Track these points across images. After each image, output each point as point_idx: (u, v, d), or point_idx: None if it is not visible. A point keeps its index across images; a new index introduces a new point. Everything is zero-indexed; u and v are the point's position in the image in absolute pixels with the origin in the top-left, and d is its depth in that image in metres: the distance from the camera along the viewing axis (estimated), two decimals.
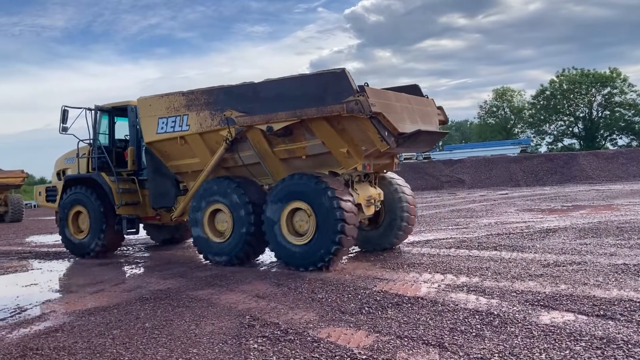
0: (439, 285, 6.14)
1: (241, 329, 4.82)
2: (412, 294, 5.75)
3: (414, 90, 9.19)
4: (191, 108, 8.82)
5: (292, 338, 4.44)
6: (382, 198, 9.00)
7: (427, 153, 54.44)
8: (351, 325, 4.75)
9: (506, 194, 23.33)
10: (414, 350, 4.01)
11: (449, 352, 3.93)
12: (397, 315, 4.99)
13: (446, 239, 9.92)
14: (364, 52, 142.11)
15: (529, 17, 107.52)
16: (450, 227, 11.74)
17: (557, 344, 3.99)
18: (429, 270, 7.05)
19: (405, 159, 48.55)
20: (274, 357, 4.01)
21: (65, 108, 10.11)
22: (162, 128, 9.16)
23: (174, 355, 4.19)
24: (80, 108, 10.39)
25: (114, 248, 10.68)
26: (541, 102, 66.40)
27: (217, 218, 8.65)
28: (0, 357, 4.42)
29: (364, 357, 3.91)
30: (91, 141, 10.52)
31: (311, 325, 4.79)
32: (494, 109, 74.43)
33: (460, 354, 3.89)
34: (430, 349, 4.02)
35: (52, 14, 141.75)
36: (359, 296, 5.78)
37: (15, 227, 20.58)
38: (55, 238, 14.62)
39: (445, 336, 4.30)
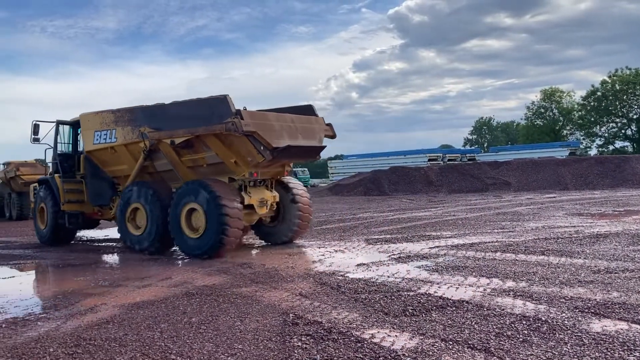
0: (484, 289, 6.04)
1: (285, 326, 4.87)
2: (456, 298, 5.68)
3: (307, 110, 10.93)
4: (118, 123, 10.85)
5: (336, 337, 4.46)
6: (277, 200, 10.77)
7: (471, 154, 53.65)
8: (395, 326, 4.73)
9: (554, 197, 22.69)
10: (459, 354, 3.96)
11: (495, 357, 3.87)
12: (441, 318, 4.94)
13: (492, 242, 9.74)
14: (407, 52, 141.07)
15: (578, 16, 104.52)
16: (496, 231, 11.52)
17: (609, 354, 3.87)
18: (474, 273, 6.95)
19: (449, 160, 47.98)
20: (318, 356, 4.04)
21: (36, 122, 12.07)
22: (97, 140, 11.28)
23: (219, 350, 4.28)
24: (51, 122, 12.56)
25: (63, 240, 12.84)
26: (592, 103, 64.32)
27: (137, 215, 10.55)
28: (56, 345, 4.60)
29: (408, 359, 3.89)
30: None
31: (354, 325, 4.80)
32: (542, 110, 72.53)
33: (507, 359, 3.82)
34: (476, 354, 3.96)
35: (104, 16, 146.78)
36: (402, 298, 5.75)
37: None
38: (105, 233, 15.13)
39: (491, 341, 4.23)
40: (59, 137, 12.72)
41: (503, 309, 5.15)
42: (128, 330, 5.00)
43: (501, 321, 4.76)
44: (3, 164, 26.96)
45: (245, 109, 9.16)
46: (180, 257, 9.75)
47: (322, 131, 10.79)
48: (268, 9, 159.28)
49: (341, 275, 7.22)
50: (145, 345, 4.51)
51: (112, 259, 10.04)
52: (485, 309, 5.18)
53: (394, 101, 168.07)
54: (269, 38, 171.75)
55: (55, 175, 12.48)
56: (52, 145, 12.71)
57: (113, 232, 15.46)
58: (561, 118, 71.14)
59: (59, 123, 12.57)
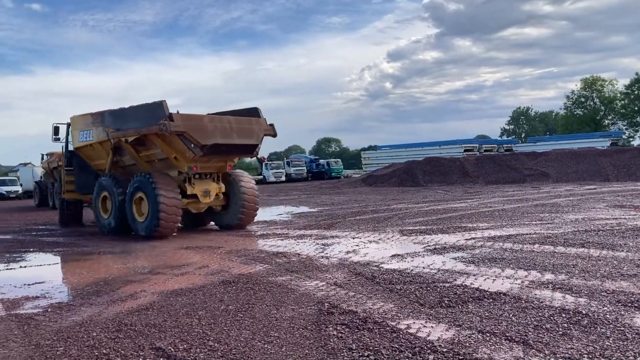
0: (522, 282, 5.94)
1: (320, 315, 4.90)
2: (493, 290, 5.60)
3: (253, 112, 12.78)
4: (94, 124, 13.00)
5: (371, 327, 4.47)
6: (222, 190, 12.64)
7: (508, 145, 52.63)
8: (431, 317, 4.70)
9: (594, 188, 22.07)
10: (496, 346, 3.92)
11: (533, 350, 3.81)
12: (478, 309, 4.89)
13: (529, 234, 9.56)
14: (442, 41, 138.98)
15: (621, 2, 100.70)
16: (534, 222, 11.29)
17: None
18: (511, 265, 6.84)
19: (485, 150, 47.19)
20: (354, 345, 4.05)
21: (56, 125, 14.94)
22: (81, 138, 13.56)
23: (256, 338, 4.34)
24: (66, 124, 14.82)
25: (69, 223, 15.58)
26: (635, 92, 62.09)
27: (106, 202, 12.83)
28: (99, 330, 4.75)
29: (444, 350, 3.87)
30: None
31: (390, 315, 4.80)
32: (582, 100, 70.54)
33: (546, 352, 3.76)
34: (514, 346, 3.91)
35: (142, 9, 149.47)
36: (438, 289, 5.71)
37: None
38: None
39: (530, 333, 4.17)
40: (69, 136, 14.86)
41: (542, 302, 5.06)
42: (167, 316, 5.12)
43: (540, 314, 4.68)
44: (46, 155, 27.84)
45: (178, 112, 11.15)
46: (217, 247, 9.90)
47: (261, 131, 12.47)
48: (302, 0, 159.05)
49: (376, 265, 7.22)
50: (183, 331, 4.61)
51: (150, 247, 10.26)
52: (523, 301, 5.10)
53: (429, 91, 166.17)
54: (303, 29, 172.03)
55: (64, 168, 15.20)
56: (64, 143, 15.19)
57: None
58: (602, 107, 69.06)
59: (68, 124, 14.68)
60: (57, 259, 9.53)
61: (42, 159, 28.51)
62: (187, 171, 11.89)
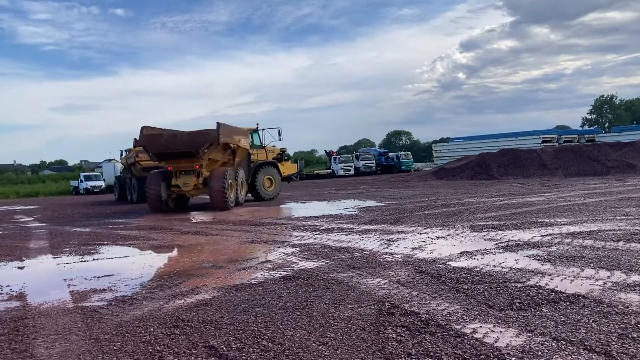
0: (604, 283, 5.41)
1: (380, 316, 4.66)
2: (571, 291, 5.13)
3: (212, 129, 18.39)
4: None
5: (434, 330, 4.18)
6: (200, 182, 18.83)
7: (590, 135, 49.74)
8: (500, 321, 4.34)
9: None
10: (573, 356, 3.52)
11: None
12: (553, 314, 4.47)
13: (613, 230, 8.82)
14: (518, 29, 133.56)
15: None
16: (618, 218, 10.43)
17: None
18: (592, 265, 6.28)
19: (565, 141, 44.82)
20: (413, 350, 3.79)
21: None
22: None
23: (311, 338, 4.16)
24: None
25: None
26: None
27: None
28: (157, 325, 4.75)
29: (513, 358, 3.53)
30: None
31: (454, 318, 4.47)
32: None
33: None
34: (594, 357, 3.50)
35: (217, 10, 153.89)
36: (509, 290, 5.30)
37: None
38: (213, 216, 15.76)
39: (613, 343, 3.73)
40: None
41: (627, 307, 4.55)
42: (225, 312, 5.06)
43: (625, 320, 4.20)
44: (125, 151, 29.17)
45: (146, 128, 18.20)
46: (282, 241, 9.85)
47: (209, 140, 18.18)
48: None
49: (442, 263, 6.86)
50: (239, 329, 4.51)
51: (217, 241, 10.38)
52: (605, 306, 4.61)
53: (504, 81, 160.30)
54: (373, 22, 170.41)
55: None
56: None
57: (221, 215, 16.11)
58: None
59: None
60: (128, 252, 9.82)
61: (122, 155, 29.91)
62: (166, 169, 18.96)
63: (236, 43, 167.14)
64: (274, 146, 24.55)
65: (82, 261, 8.85)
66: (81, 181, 48.97)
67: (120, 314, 5.26)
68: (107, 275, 7.33)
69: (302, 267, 7.07)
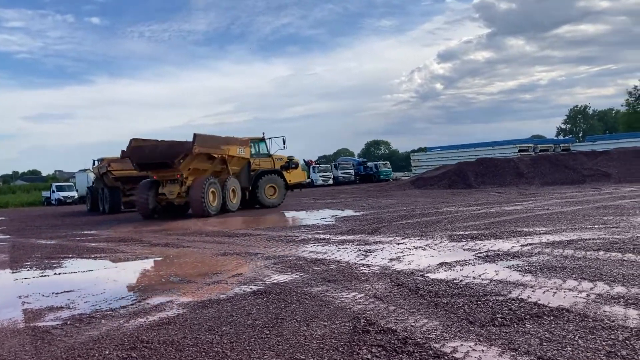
0: (587, 295, 5.19)
1: (354, 334, 4.35)
2: (554, 304, 4.89)
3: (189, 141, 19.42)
4: None
5: (411, 350, 3.88)
6: (184, 190, 19.69)
7: (566, 144, 50.39)
8: (481, 338, 4.07)
9: None
10: None
11: None
12: (537, 329, 4.21)
13: (593, 239, 8.67)
14: (494, 41, 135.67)
15: None
16: (597, 226, 10.32)
17: None
18: (574, 275, 6.07)
19: (541, 150, 45.26)
20: None
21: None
22: None
23: None
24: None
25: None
26: None
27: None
28: (113, 347, 4.37)
29: None
30: None
31: (433, 335, 4.19)
32: None
33: None
34: None
35: (195, 19, 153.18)
36: (491, 304, 5.04)
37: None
38: (185, 227, 15.30)
39: None
40: None
41: (613, 321, 4.32)
42: (188, 332, 4.70)
43: (612, 336, 3.96)
44: (98, 160, 28.46)
45: (135, 140, 19.53)
46: (255, 253, 9.48)
47: (183, 151, 19.24)
48: (350, 4, 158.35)
49: (421, 275, 6.59)
50: (201, 350, 4.16)
51: (187, 254, 9.97)
52: (590, 320, 4.38)
53: (481, 91, 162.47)
54: (352, 32, 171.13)
55: None
56: None
57: (196, 225, 15.65)
58: None
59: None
60: (93, 265, 9.34)
61: (94, 164, 29.18)
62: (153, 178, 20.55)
63: (214, 52, 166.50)
64: (282, 155, 24.54)
65: (42, 276, 8.37)
66: (53, 191, 47.73)
67: (75, 334, 4.85)
68: (67, 292, 6.89)
69: (275, 281, 6.73)
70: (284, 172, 23.80)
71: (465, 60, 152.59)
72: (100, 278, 7.94)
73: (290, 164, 24.46)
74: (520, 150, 44.22)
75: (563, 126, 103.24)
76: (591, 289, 5.45)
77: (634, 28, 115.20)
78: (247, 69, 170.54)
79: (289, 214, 19.30)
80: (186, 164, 19.49)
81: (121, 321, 5.22)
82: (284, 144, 23.55)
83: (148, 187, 20.24)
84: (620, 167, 28.64)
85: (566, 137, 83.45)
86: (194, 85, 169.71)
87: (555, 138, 78.90)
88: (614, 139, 49.11)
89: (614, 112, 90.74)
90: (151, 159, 19.32)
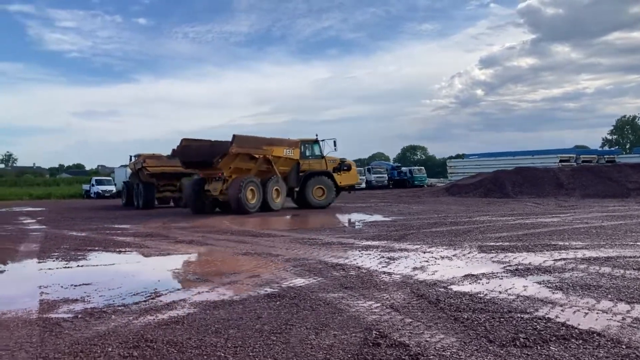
0: (623, 318, 4.80)
1: (364, 346, 4.11)
2: (584, 327, 4.53)
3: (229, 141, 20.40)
4: None
5: None
6: (225, 188, 20.41)
7: (611, 156, 48.65)
8: (499, 359, 3.78)
9: None
10: None
11: None
12: (562, 353, 3.89)
13: (634, 257, 8.16)
14: (539, 47, 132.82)
15: None
16: (639, 243, 9.75)
17: None
18: (609, 296, 5.66)
19: (583, 161, 43.80)
20: None
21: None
22: None
23: None
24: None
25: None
26: None
27: None
28: (117, 344, 4.26)
29: None
30: None
31: (448, 353, 3.91)
32: None
33: None
34: None
35: (238, 21, 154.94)
36: (514, 321, 4.72)
37: (187, 211, 22.28)
38: (213, 225, 15.30)
39: None
40: None
41: None
42: (194, 333, 4.55)
43: None
44: (135, 156, 28.92)
45: (185, 140, 21.15)
46: (277, 255, 9.32)
47: (222, 151, 20.12)
48: (391, 7, 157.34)
49: (443, 287, 6.29)
50: (203, 354, 4.00)
51: (209, 251, 9.90)
52: (623, 346, 4.02)
53: (523, 98, 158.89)
54: (392, 36, 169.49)
55: None
56: None
57: (218, 223, 15.65)
58: None
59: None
60: (116, 259, 9.37)
61: (130, 160, 29.66)
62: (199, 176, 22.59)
63: (255, 54, 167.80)
64: (335, 157, 24.64)
65: (65, 267, 8.42)
66: (92, 185, 48.92)
67: (83, 329, 4.78)
68: (85, 284, 6.87)
69: (291, 285, 6.55)
70: (336, 174, 23.88)
71: (507, 66, 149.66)
72: (119, 272, 7.92)
73: (342, 165, 24.44)
74: (561, 161, 42.85)
75: (609, 137, 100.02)
76: (628, 311, 5.05)
77: None
78: (286, 70, 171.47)
79: (318, 216, 19.12)
80: (226, 163, 20.28)
81: (130, 317, 5.12)
82: (334, 145, 23.73)
83: (195, 184, 21.79)
84: None
85: (612, 149, 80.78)
86: (234, 85, 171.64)
87: (600, 149, 76.44)
88: None
89: None
90: (195, 158, 20.56)
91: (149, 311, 5.38)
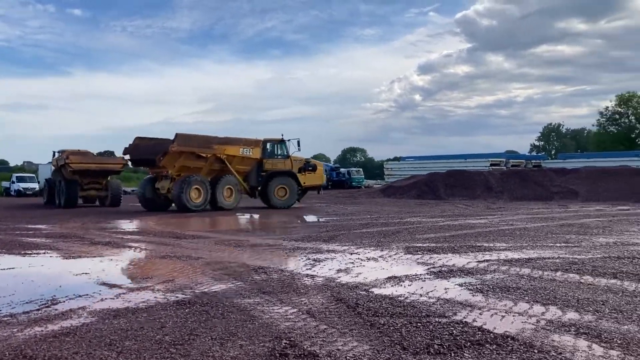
0: (537, 321, 4.74)
1: (270, 358, 3.80)
2: (500, 330, 4.42)
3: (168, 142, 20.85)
4: None
5: None
6: (170, 186, 20.60)
7: (537, 161, 50.81)
8: None
9: (628, 209, 20.47)
10: None
11: None
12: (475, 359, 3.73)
13: (552, 258, 8.30)
14: (474, 56, 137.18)
15: None
16: (558, 245, 9.99)
17: None
18: (526, 298, 5.63)
19: (512, 165, 45.45)
20: None
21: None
22: None
23: None
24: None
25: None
26: None
27: None
28: None
29: None
30: None
31: None
32: (617, 117, 67.94)
33: None
34: None
35: (180, 17, 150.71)
36: (431, 326, 4.55)
37: (112, 211, 21.25)
38: (137, 225, 14.55)
39: None
40: None
41: (560, 353, 3.87)
42: (83, 347, 4.09)
43: None
44: (58, 152, 27.38)
45: (138, 138, 21.70)
46: (198, 257, 8.87)
47: (163, 150, 20.29)
48: (334, 11, 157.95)
49: (364, 289, 6.08)
50: None
51: (124, 254, 9.30)
52: (536, 350, 3.91)
53: (459, 105, 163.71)
54: (334, 39, 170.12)
55: None
56: None
57: (142, 224, 14.93)
58: (638, 125, 66.33)
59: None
60: (18, 262, 8.60)
61: (54, 155, 28.07)
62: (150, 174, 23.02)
63: (197, 51, 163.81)
64: (301, 157, 24.14)
65: None
66: (13, 182, 45.90)
67: None
68: None
69: (206, 290, 6.15)
70: (301, 175, 23.45)
71: (444, 73, 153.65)
72: (18, 277, 7.23)
73: (307, 166, 23.99)
74: (492, 164, 44.25)
75: (537, 143, 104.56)
76: (542, 313, 5.01)
77: (608, 51, 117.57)
78: (229, 69, 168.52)
79: (247, 217, 18.68)
80: (169, 162, 20.37)
81: (15, 329, 4.58)
82: (298, 146, 23.41)
83: (148, 181, 22.18)
84: (588, 186, 28.74)
85: (539, 154, 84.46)
86: (174, 82, 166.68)
87: (529, 154, 79.70)
88: (585, 157, 49.63)
89: (586, 132, 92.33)
90: (142, 156, 21.26)
91: (39, 321, 4.84)
